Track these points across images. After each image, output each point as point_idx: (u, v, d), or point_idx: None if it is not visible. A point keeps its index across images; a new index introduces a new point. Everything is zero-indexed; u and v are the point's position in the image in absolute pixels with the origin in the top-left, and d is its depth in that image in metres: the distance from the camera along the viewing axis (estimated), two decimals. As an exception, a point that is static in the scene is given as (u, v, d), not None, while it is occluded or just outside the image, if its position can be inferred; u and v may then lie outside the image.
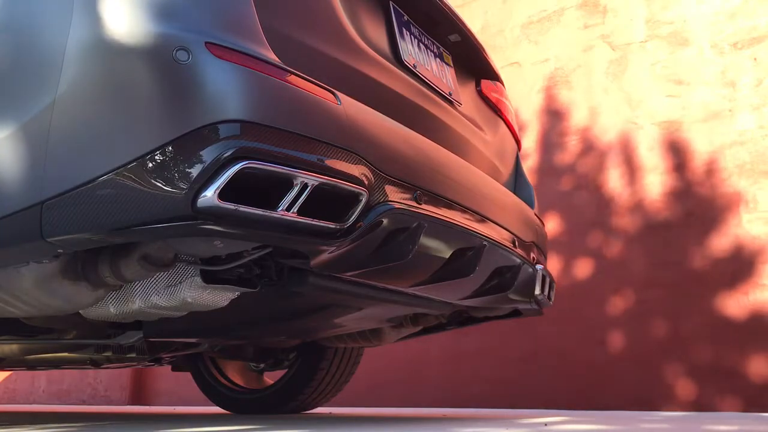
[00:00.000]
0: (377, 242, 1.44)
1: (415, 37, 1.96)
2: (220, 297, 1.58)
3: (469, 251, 1.73)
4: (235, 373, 3.14)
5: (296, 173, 1.20)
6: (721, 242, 3.35)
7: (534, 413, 3.13)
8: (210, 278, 1.50)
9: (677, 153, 3.56)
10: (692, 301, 3.36)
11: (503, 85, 2.48)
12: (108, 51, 1.22)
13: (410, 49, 1.89)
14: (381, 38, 1.79)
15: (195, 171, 1.14)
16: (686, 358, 3.32)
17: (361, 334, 2.51)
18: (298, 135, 1.23)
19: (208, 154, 1.14)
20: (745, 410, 3.12)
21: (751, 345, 3.17)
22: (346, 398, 3.97)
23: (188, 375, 3.29)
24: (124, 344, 2.02)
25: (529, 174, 3.96)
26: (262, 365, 3.06)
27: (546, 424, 1.97)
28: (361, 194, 1.32)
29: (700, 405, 3.25)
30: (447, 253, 1.66)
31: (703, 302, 3.33)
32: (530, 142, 4.09)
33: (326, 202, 1.29)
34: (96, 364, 2.72)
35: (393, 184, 1.42)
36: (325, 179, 1.25)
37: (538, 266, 2.10)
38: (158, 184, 1.15)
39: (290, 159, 1.21)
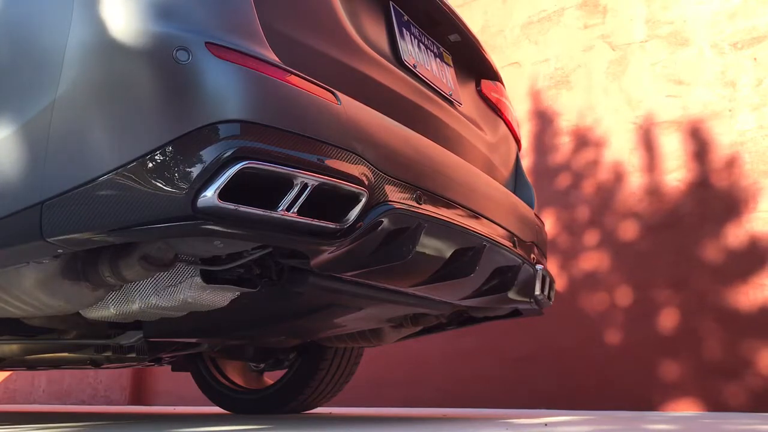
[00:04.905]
0: (377, 242, 1.44)
1: (415, 37, 1.96)
2: (220, 297, 1.58)
3: (469, 251, 1.73)
4: (235, 373, 3.14)
5: (296, 173, 1.20)
6: (722, 242, 3.35)
7: (534, 413, 3.13)
8: (210, 278, 1.50)
9: (677, 153, 3.56)
10: (694, 301, 3.36)
11: (503, 85, 2.48)
12: (108, 51, 1.22)
13: (410, 49, 1.89)
14: (381, 38, 1.79)
15: (195, 171, 1.14)
16: (688, 357, 3.32)
17: (361, 334, 2.51)
18: (298, 135, 1.23)
19: (208, 154, 1.14)
20: (754, 410, 3.12)
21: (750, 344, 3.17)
22: (346, 398, 3.97)
23: (188, 375, 3.29)
24: (124, 344, 2.02)
25: (529, 174, 3.96)
26: (262, 365, 3.06)
27: (546, 424, 1.97)
28: (361, 194, 1.32)
29: (703, 405, 3.25)
30: (447, 253, 1.66)
31: (705, 302, 3.33)
32: (530, 142, 4.09)
33: (326, 202, 1.29)
34: (96, 364, 2.72)
35: (393, 184, 1.42)
36: (325, 179, 1.25)
37: (538, 266, 2.10)
38: (158, 184, 1.15)
39: (290, 159, 1.21)
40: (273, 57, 1.30)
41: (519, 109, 4.13)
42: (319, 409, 3.39)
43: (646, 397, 3.38)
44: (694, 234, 3.43)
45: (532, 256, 2.09)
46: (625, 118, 3.77)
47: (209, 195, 1.14)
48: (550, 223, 3.86)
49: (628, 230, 3.63)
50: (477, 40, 2.28)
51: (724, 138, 3.44)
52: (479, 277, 1.84)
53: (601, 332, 3.59)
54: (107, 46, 1.22)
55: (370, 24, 1.77)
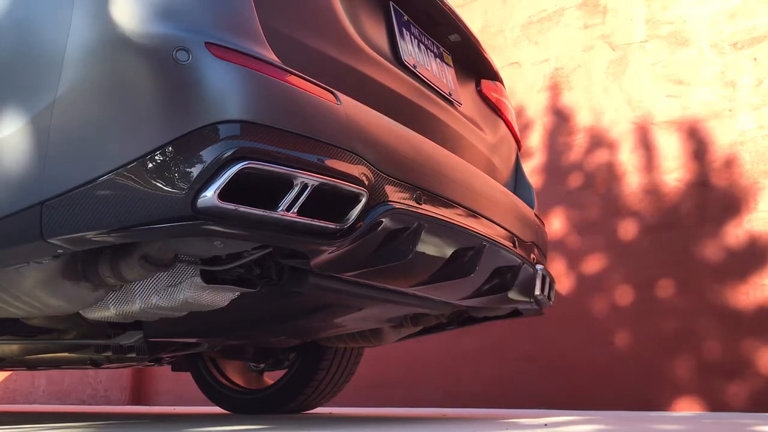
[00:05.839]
0: (377, 242, 1.44)
1: (415, 37, 1.96)
2: (220, 297, 1.58)
3: (469, 251, 1.73)
4: (235, 373, 3.14)
5: (296, 173, 1.20)
6: (723, 242, 3.34)
7: (534, 413, 3.13)
8: (210, 278, 1.50)
9: (677, 153, 3.56)
10: (694, 301, 3.36)
11: (503, 85, 2.48)
12: (108, 51, 1.22)
13: (410, 49, 1.89)
14: (381, 38, 1.79)
15: (195, 171, 1.14)
16: (689, 357, 3.32)
17: (361, 334, 2.51)
18: (298, 135, 1.23)
19: (208, 155, 1.14)
20: (754, 410, 3.12)
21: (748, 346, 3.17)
22: (346, 398, 3.97)
23: (188, 375, 3.29)
24: (124, 344, 2.02)
25: (529, 174, 3.96)
26: (262, 365, 3.06)
27: (546, 424, 1.97)
28: (361, 194, 1.32)
29: (703, 405, 3.25)
30: (447, 253, 1.66)
31: (706, 302, 3.33)
32: (530, 142, 4.09)
33: (326, 202, 1.29)
34: (96, 364, 2.72)
35: (393, 184, 1.42)
36: (325, 179, 1.25)
37: (538, 266, 2.10)
38: (158, 184, 1.15)
39: (290, 159, 1.20)
40: (273, 57, 1.30)
41: (519, 109, 4.13)
42: (319, 409, 3.39)
43: (647, 397, 3.38)
44: (695, 234, 3.43)
45: (532, 256, 2.09)
46: (625, 118, 3.77)
47: (209, 195, 1.14)
48: (549, 224, 3.86)
49: (628, 230, 3.63)
50: (477, 40, 2.28)
51: (724, 138, 3.44)
52: (479, 277, 1.84)
53: (602, 332, 3.59)
54: (107, 47, 1.22)
55: (370, 24, 1.77)
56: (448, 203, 1.61)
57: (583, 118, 3.92)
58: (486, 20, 4.45)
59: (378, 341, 2.53)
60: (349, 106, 1.37)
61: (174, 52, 1.17)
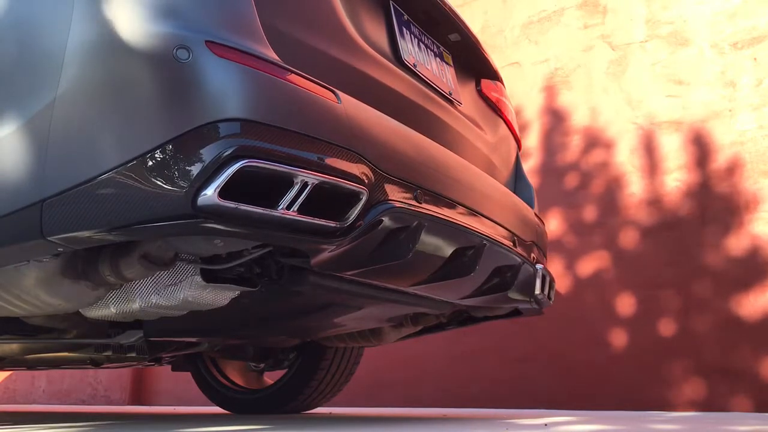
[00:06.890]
0: (377, 241, 1.44)
1: (415, 36, 1.96)
2: (220, 296, 1.58)
3: (469, 250, 1.73)
4: (235, 373, 3.14)
5: (296, 172, 1.21)
6: (722, 243, 3.34)
7: (534, 413, 3.13)
8: (210, 277, 1.50)
9: (677, 153, 3.56)
10: (694, 302, 3.36)
11: (503, 84, 2.48)
12: (108, 50, 1.22)
13: (410, 49, 1.89)
14: (381, 37, 1.79)
15: (195, 169, 1.14)
16: (689, 358, 3.32)
17: (361, 334, 2.51)
18: (298, 134, 1.23)
19: (208, 153, 1.14)
20: (755, 411, 3.12)
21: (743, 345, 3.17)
22: (346, 398, 3.97)
23: (188, 375, 3.29)
24: (124, 344, 2.02)
25: (529, 174, 3.96)
26: (262, 365, 3.06)
27: (546, 424, 1.97)
28: (361, 193, 1.32)
29: (703, 405, 3.24)
30: (447, 252, 1.66)
31: (706, 303, 3.33)
32: (530, 142, 4.10)
33: (326, 200, 1.29)
34: (96, 364, 2.72)
35: (393, 182, 1.43)
36: (325, 178, 1.25)
37: (538, 266, 2.10)
38: (158, 182, 1.15)
39: (290, 158, 1.21)
40: (273, 56, 1.30)
41: (519, 109, 4.13)
42: (319, 409, 3.38)
43: (647, 397, 3.38)
44: (695, 235, 3.42)
45: (532, 255, 2.09)
46: (625, 118, 3.77)
47: (209, 193, 1.14)
48: (549, 223, 3.86)
49: (628, 231, 3.63)
50: (477, 39, 2.28)
51: (724, 138, 3.44)
52: (479, 276, 1.84)
53: (602, 333, 3.58)
54: (107, 45, 1.22)
55: (371, 23, 1.77)
56: (448, 202, 1.61)
57: (582, 118, 3.92)
58: (486, 20, 4.45)
59: (378, 341, 2.53)
60: (350, 105, 1.37)
61: (174, 50, 1.17)
